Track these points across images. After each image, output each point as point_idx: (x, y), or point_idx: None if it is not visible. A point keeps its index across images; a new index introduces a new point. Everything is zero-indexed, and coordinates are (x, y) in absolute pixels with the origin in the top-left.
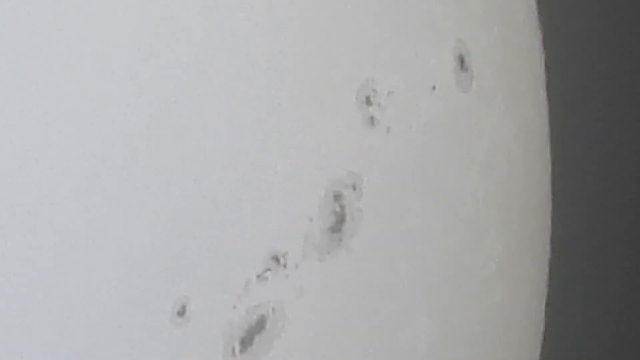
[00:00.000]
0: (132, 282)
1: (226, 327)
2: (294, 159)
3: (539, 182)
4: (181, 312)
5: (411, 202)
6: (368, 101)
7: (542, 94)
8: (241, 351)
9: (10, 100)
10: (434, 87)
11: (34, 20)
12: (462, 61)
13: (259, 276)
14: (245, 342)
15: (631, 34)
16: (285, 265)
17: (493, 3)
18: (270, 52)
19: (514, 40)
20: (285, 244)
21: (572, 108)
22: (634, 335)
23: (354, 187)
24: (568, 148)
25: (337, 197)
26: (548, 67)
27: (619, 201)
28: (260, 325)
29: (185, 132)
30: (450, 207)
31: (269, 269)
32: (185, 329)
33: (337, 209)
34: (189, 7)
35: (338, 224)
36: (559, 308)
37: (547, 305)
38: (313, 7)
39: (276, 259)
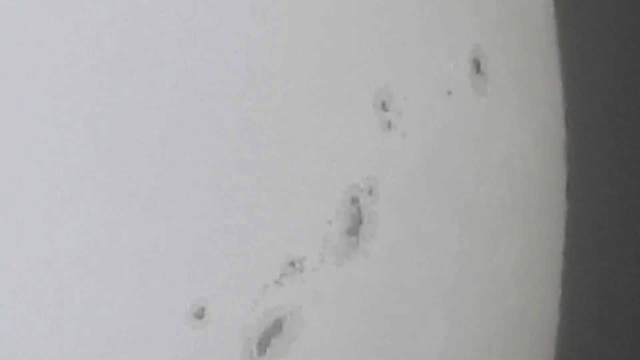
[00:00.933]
0: (150, 284)
1: (244, 329)
2: (312, 163)
3: (554, 184)
4: (199, 315)
5: (427, 205)
6: (384, 106)
7: (558, 96)
8: (259, 353)
9: (31, 103)
10: (449, 92)
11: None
12: (477, 65)
13: (276, 281)
14: (263, 345)
15: None
16: (302, 270)
17: (509, 6)
18: (287, 56)
19: (529, 43)
20: (303, 248)
21: (588, 111)
22: None
23: (370, 191)
24: (584, 151)
25: (355, 200)
26: (564, 70)
27: (634, 204)
28: (277, 327)
29: (202, 135)
30: (465, 211)
31: (286, 274)
32: (203, 331)
33: (355, 212)
34: (205, 10)
35: (355, 228)
36: (573, 310)
37: (561, 307)
38: (330, 13)
39: (293, 264)
